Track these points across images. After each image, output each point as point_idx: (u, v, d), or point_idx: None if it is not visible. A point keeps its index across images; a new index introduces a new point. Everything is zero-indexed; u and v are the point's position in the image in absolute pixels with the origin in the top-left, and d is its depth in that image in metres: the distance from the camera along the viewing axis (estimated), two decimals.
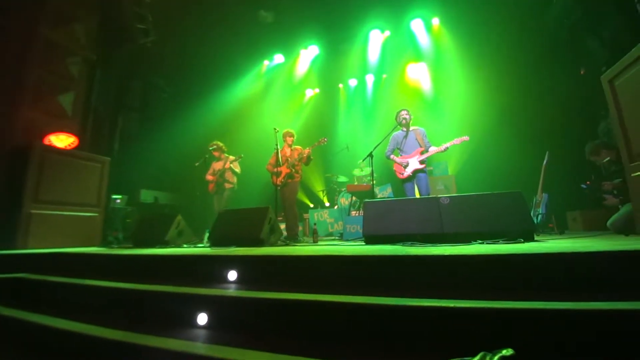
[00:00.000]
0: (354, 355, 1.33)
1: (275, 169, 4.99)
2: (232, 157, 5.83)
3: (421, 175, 4.45)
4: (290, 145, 5.29)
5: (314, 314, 1.57)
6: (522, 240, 2.40)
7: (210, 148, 5.90)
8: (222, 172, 5.76)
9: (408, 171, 4.47)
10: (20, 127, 4.27)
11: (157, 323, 1.81)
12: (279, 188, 5.01)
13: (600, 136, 4.69)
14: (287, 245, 3.69)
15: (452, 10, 7.07)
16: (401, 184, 4.64)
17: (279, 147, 4.96)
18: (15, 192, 4.00)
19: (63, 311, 2.11)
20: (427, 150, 4.47)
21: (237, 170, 5.85)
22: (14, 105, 4.27)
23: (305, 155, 5.04)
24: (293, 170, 5.04)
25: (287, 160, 5.11)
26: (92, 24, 5.31)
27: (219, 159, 5.96)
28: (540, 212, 4.29)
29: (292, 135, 5.33)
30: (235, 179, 5.87)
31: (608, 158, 3.55)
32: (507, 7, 6.26)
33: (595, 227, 4.24)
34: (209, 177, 5.91)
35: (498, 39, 6.59)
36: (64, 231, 4.32)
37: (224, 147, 6.01)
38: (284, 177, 5.01)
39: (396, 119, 4.66)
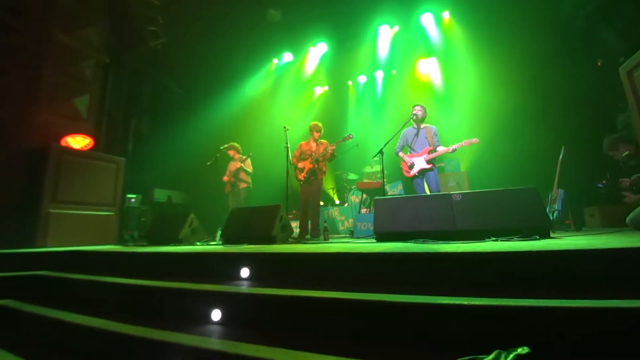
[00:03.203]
0: (368, 352, 1.32)
1: (298, 164, 4.98)
2: (243, 157, 6.01)
3: (430, 173, 4.40)
4: (316, 140, 5.13)
5: (326, 311, 1.58)
6: (538, 237, 2.34)
7: (222, 147, 6.02)
8: (235, 172, 5.96)
9: (414, 171, 4.44)
10: (37, 129, 4.39)
11: (172, 319, 1.85)
12: (301, 184, 5.00)
13: (619, 130, 4.55)
14: (298, 243, 3.71)
15: (463, 3, 6.94)
16: (410, 181, 4.60)
17: (289, 145, 4.96)
18: (34, 192, 4.13)
19: (82, 307, 2.17)
20: (435, 150, 4.41)
21: (249, 169, 6.02)
22: (31, 108, 4.40)
23: (329, 152, 4.92)
24: (316, 166, 4.93)
25: (311, 155, 5.00)
26: (104, 27, 5.42)
27: (233, 159, 6.18)
28: (556, 208, 4.19)
29: (319, 130, 5.13)
30: (249, 178, 6.07)
31: (627, 152, 3.44)
32: None
33: (613, 223, 4.12)
34: (225, 178, 6.15)
35: (510, 31, 6.44)
36: (81, 230, 4.44)
37: (239, 148, 6.22)
38: (306, 173, 4.94)
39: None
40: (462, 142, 4.28)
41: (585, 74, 5.65)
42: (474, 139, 4.29)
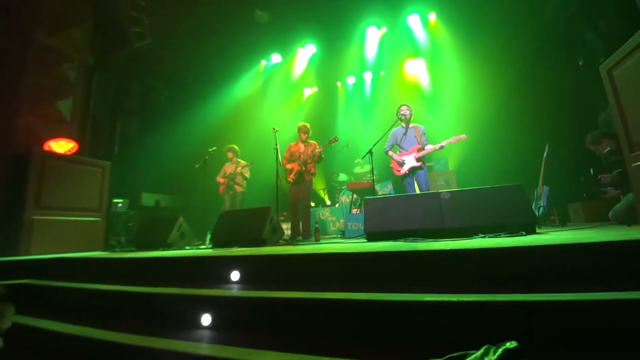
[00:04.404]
0: (359, 351, 1.33)
1: (287, 166, 5.00)
2: (243, 162, 6.16)
3: (420, 172, 4.45)
4: (304, 141, 5.13)
5: (317, 312, 1.58)
6: (524, 233, 2.40)
7: (211, 150, 6.00)
8: (233, 176, 6.09)
9: (405, 169, 4.48)
10: (19, 134, 4.26)
11: (162, 325, 1.82)
12: (290, 185, 5.00)
13: (600, 127, 4.67)
14: (289, 244, 3.70)
15: (449, 5, 7.04)
16: (401, 180, 4.64)
17: (278, 146, 4.94)
18: (16, 198, 4.00)
19: (68, 316, 2.11)
20: (423, 148, 4.47)
21: (247, 175, 6.23)
22: (13, 111, 4.27)
23: (316, 154, 4.93)
24: (304, 168, 4.93)
25: (299, 156, 5.00)
26: (88, 28, 5.30)
27: (231, 161, 6.28)
28: (541, 204, 4.28)
29: (306, 131, 5.13)
30: (245, 183, 6.24)
31: (608, 148, 3.54)
32: (503, 0, 6.24)
33: (597, 218, 4.23)
34: (220, 179, 6.23)
35: (495, 32, 6.57)
36: (66, 236, 4.33)
37: (238, 151, 6.34)
38: (295, 175, 4.94)
39: (397, 114, 4.66)
40: (450, 139, 4.35)
41: (568, 73, 5.80)
42: (461, 136, 4.37)
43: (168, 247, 3.86)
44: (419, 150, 4.46)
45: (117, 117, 6.54)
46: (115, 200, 6.21)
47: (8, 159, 4.10)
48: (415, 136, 4.55)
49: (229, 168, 6.26)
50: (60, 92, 4.81)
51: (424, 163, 4.49)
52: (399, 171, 4.55)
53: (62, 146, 4.68)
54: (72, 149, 4.79)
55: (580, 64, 5.60)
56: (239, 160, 6.28)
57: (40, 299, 2.61)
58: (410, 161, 4.46)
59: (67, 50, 4.93)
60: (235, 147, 6.36)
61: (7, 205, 4.00)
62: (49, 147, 4.53)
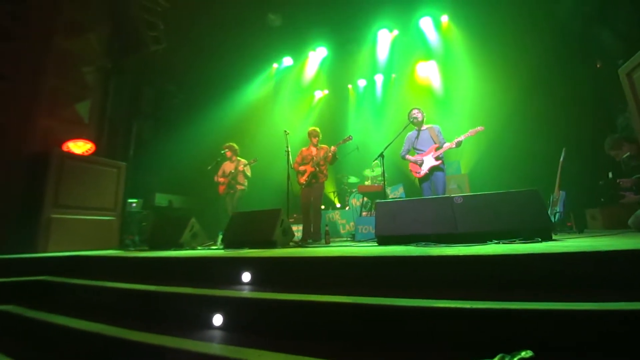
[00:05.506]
0: (369, 356, 1.32)
1: (300, 168, 5.01)
2: (244, 161, 5.94)
3: (438, 174, 4.35)
4: (315, 145, 5.17)
5: (327, 315, 1.57)
6: (540, 239, 2.33)
7: (223, 151, 5.98)
8: (234, 175, 5.87)
9: (424, 169, 4.39)
10: (39, 135, 4.41)
11: (174, 324, 1.84)
12: (302, 187, 5.02)
13: (619, 130, 4.55)
14: (299, 247, 3.70)
15: (462, 6, 6.98)
16: (419, 185, 4.58)
17: (289, 149, 4.96)
18: (35, 197, 4.13)
19: (83, 312, 2.16)
20: (441, 147, 4.40)
21: (249, 174, 5.97)
22: (33, 113, 4.42)
23: (330, 154, 4.94)
24: (318, 169, 4.95)
25: (312, 159, 5.03)
26: (105, 32, 5.46)
27: (230, 160, 6.05)
28: (557, 210, 4.18)
29: (317, 135, 5.17)
30: (246, 182, 6.00)
31: (628, 153, 3.43)
32: (517, 0, 6.14)
33: (616, 225, 4.09)
34: (219, 179, 6.02)
35: (509, 33, 6.46)
36: (82, 235, 4.44)
37: (237, 149, 6.10)
38: (307, 177, 4.96)
39: (408, 118, 4.62)
40: (468, 133, 4.25)
41: (585, 75, 5.66)
42: (478, 127, 4.27)
43: (180, 247, 3.92)
44: (437, 149, 4.39)
45: (132, 119, 6.69)
46: (130, 200, 6.34)
47: (28, 159, 4.24)
48: (430, 137, 4.49)
49: (228, 167, 6.01)
50: (78, 95, 4.96)
51: (443, 162, 4.38)
52: (418, 173, 4.47)
53: (80, 147, 4.82)
54: (89, 149, 4.92)
55: (597, 66, 5.46)
56: (239, 158, 6.03)
57: (55, 296, 2.68)
58: (429, 161, 4.38)
59: (85, 54, 5.08)
60: (234, 145, 6.08)
61: (27, 203, 4.13)
62: (68, 147, 4.67)
